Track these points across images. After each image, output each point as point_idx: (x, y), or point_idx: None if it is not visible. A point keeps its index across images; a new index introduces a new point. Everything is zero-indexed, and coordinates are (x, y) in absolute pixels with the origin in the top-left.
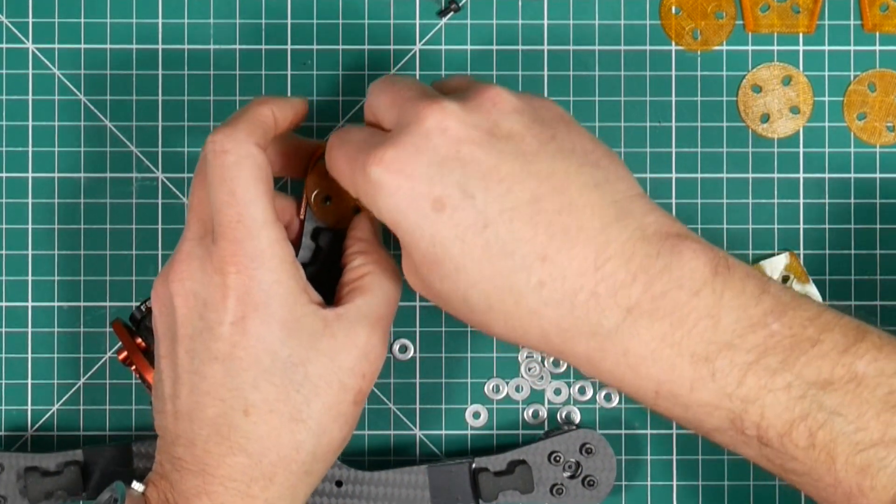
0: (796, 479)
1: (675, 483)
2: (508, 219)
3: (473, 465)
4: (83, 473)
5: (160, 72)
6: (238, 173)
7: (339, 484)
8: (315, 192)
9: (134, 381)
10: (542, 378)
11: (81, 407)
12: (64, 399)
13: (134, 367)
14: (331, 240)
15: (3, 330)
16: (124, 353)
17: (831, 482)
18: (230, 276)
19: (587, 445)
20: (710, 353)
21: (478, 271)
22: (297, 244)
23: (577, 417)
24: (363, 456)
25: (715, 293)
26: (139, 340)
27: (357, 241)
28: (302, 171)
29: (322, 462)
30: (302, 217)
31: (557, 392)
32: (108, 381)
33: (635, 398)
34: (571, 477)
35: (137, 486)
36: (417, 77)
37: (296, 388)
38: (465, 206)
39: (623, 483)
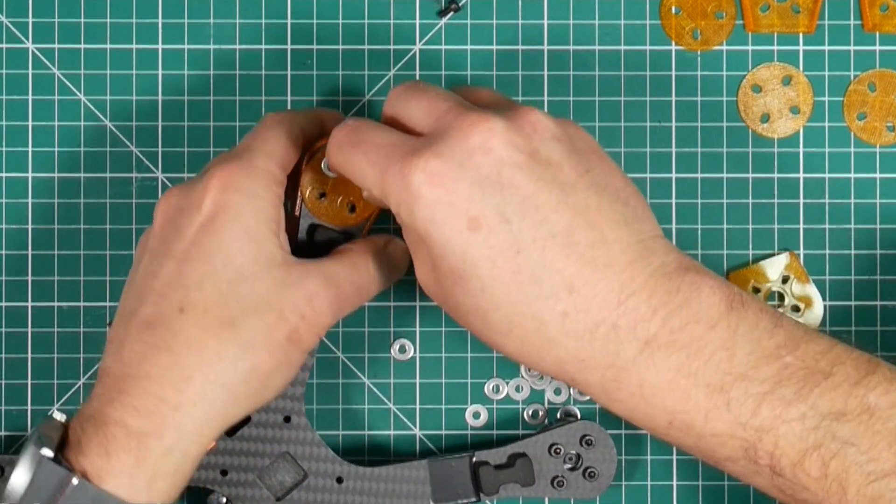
0: None
1: (675, 483)
2: (542, 247)
3: (474, 459)
4: None
5: (160, 72)
6: (269, 128)
7: (339, 480)
8: (310, 189)
9: None
10: (542, 378)
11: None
12: (64, 399)
13: None
14: (326, 237)
15: (3, 330)
16: None
17: None
18: (213, 179)
19: (587, 437)
20: (726, 383)
21: (504, 294)
22: (292, 240)
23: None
24: (363, 455)
25: (730, 327)
26: None
27: (371, 240)
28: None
29: (244, 385)
30: (297, 213)
31: (557, 392)
32: None
33: (646, 428)
34: (572, 469)
35: (59, 415)
36: (417, 77)
37: (236, 299)
38: (501, 230)
39: (623, 482)
